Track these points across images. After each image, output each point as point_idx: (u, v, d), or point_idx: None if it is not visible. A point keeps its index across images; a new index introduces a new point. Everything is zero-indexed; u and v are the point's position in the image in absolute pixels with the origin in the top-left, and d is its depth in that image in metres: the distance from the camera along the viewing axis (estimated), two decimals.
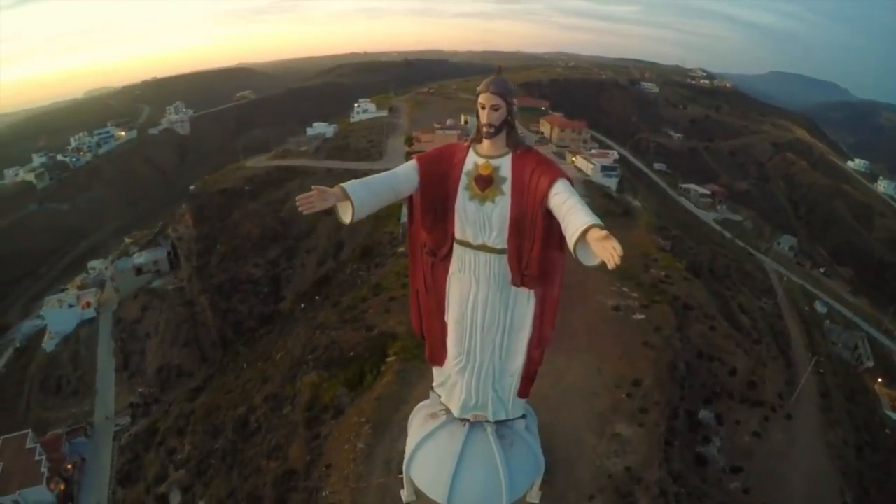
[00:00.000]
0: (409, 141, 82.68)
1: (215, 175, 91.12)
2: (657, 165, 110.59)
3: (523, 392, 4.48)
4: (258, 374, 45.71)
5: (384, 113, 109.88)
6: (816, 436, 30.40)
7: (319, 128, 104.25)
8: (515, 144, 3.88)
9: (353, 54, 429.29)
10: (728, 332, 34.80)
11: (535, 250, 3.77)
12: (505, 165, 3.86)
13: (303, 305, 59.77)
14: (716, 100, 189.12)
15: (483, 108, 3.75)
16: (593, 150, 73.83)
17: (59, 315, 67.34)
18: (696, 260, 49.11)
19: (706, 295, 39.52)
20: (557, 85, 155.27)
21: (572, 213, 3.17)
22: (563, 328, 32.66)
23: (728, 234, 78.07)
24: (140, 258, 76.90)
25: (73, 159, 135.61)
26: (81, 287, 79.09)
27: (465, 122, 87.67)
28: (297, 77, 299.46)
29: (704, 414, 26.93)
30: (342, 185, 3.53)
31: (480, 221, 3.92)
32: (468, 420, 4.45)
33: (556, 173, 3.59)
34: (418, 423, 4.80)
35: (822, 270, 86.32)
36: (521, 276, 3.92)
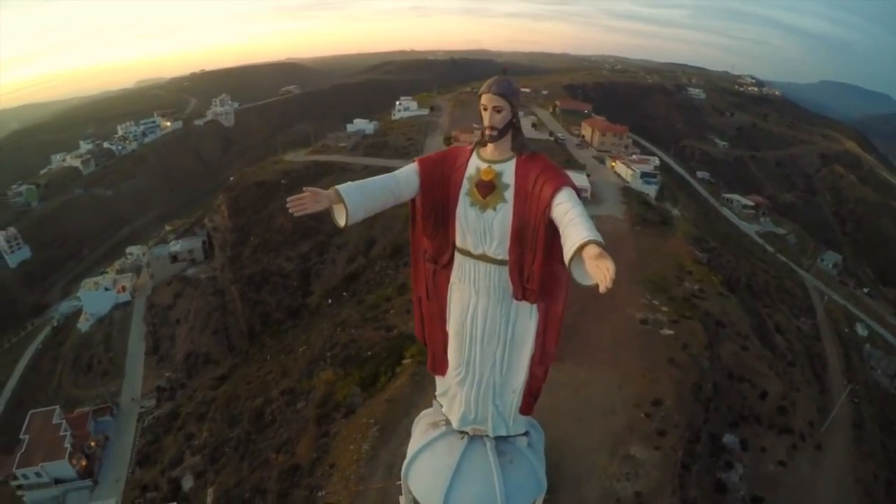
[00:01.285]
0: (448, 140, 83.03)
1: (253, 168, 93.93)
2: (700, 174, 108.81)
3: (526, 409, 4.41)
4: (279, 367, 46.77)
5: (425, 111, 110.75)
6: (846, 469, 28.76)
7: (360, 124, 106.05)
8: (520, 149, 3.81)
9: (401, 52, 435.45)
10: (761, 353, 33.32)
11: (536, 263, 3.69)
12: (508, 171, 3.78)
13: (330, 301, 60.84)
14: (764, 108, 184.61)
15: (485, 109, 3.67)
16: (634, 156, 72.44)
17: (94, 297, 70.62)
18: (733, 274, 47.35)
19: (741, 312, 37.97)
20: (602, 88, 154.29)
21: (572, 226, 3.03)
22: (586, 339, 32.12)
23: (770, 248, 75.82)
24: (176, 246, 80.00)
25: (119, 147, 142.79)
26: (120, 271, 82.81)
27: None
28: (343, 73, 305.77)
29: (729, 438, 25.80)
30: (337, 187, 3.51)
31: (481, 230, 3.85)
32: (467, 433, 4.44)
33: (560, 181, 3.50)
34: (420, 431, 4.86)
35: (865, 291, 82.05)
36: (522, 290, 3.84)
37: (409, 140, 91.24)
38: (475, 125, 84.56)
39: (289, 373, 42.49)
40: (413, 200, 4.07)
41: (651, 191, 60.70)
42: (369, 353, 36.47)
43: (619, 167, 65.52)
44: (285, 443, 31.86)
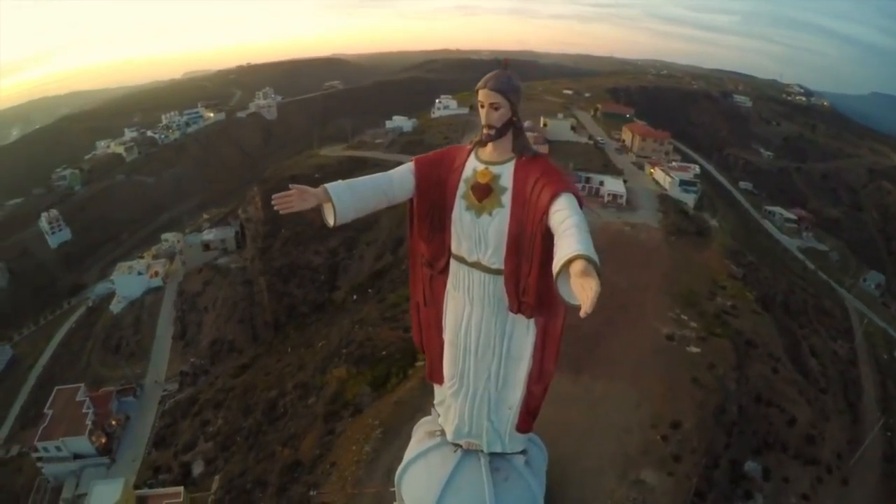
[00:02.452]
0: None
1: (289, 161, 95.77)
2: (743, 184, 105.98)
3: (524, 427, 4.29)
4: (297, 360, 47.29)
5: (465, 110, 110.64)
6: None
7: (398, 121, 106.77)
8: (521, 150, 3.65)
9: (446, 51, 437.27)
10: (792, 378, 31.50)
11: (533, 275, 3.51)
12: (506, 174, 3.62)
13: (355, 297, 61.26)
14: (811, 118, 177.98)
15: (482, 106, 3.53)
16: (674, 163, 70.44)
17: (127, 281, 73.18)
18: (769, 291, 45.25)
19: (774, 332, 36.09)
20: (646, 92, 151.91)
21: (564, 238, 2.79)
22: (607, 352, 31.09)
23: (811, 265, 72.99)
24: (209, 235, 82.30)
25: (162, 136, 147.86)
26: (156, 257, 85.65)
27: (545, 125, 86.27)
28: (388, 70, 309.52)
29: (751, 465, 24.39)
30: (326, 185, 3.46)
31: (476, 236, 3.72)
32: (461, 446, 4.38)
33: (560, 186, 3.28)
34: (417, 439, 4.84)
35: None
36: (517, 303, 3.69)
37: (446, 138, 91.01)
38: None
39: (305, 367, 42.87)
40: (411, 201, 3.97)
41: (689, 200, 58.84)
42: (384, 352, 36.36)
43: (658, 174, 63.86)
44: (292, 437, 32.08)
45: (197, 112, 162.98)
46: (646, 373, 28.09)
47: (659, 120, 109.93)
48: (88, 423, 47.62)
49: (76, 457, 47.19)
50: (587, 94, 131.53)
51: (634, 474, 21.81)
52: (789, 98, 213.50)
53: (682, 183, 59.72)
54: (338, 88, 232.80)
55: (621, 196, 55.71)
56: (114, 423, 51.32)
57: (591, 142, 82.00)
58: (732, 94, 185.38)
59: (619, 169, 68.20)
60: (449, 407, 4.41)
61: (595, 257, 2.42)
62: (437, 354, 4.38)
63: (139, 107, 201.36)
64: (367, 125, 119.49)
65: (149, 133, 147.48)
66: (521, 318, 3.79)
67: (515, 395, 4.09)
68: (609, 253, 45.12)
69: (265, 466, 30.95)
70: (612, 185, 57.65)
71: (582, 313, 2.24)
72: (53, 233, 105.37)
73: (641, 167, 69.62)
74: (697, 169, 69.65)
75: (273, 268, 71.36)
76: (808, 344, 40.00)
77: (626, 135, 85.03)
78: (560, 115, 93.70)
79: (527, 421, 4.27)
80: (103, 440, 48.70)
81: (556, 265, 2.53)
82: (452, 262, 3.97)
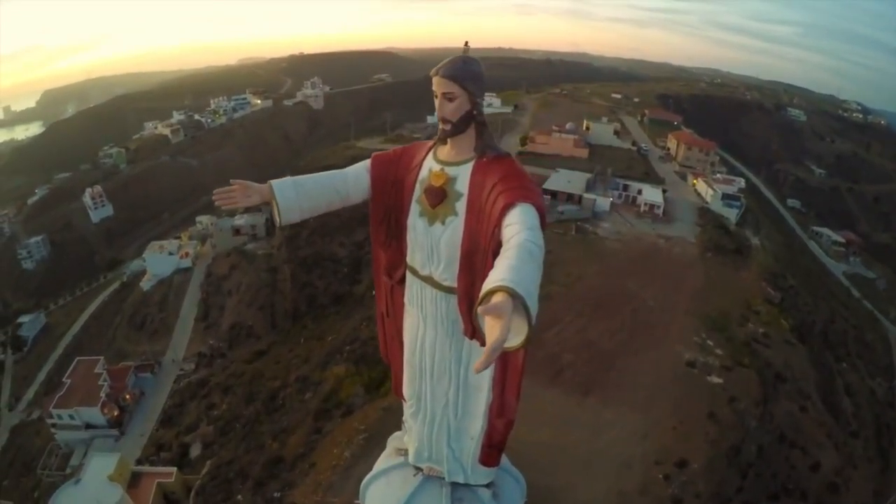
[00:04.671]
0: (524, 140, 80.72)
1: (325, 151, 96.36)
2: (791, 201, 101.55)
3: (488, 461, 3.89)
4: (305, 353, 46.92)
5: (509, 109, 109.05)
6: None
7: None
8: (484, 150, 3.20)
9: (499, 49, 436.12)
10: (821, 418, 28.49)
11: None
12: (463, 177, 3.23)
13: (374, 292, 60.74)
14: (867, 137, 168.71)
15: (436, 97, 3.15)
16: (718, 175, 66.76)
17: (158, 259, 75.02)
18: (807, 319, 41.89)
19: (807, 366, 32.96)
20: (697, 100, 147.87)
21: (500, 260, 2.29)
22: (621, 374, 28.97)
23: (856, 293, 68.81)
24: (240, 220, 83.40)
25: (209, 120, 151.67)
26: (192, 238, 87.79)
27: (587, 129, 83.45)
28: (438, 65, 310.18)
29: None
30: (272, 181, 3.32)
31: (428, 247, 3.39)
32: (422, 470, 4.15)
33: (516, 195, 2.82)
34: (387, 452, 4.66)
35: None
36: (472, 327, 3.09)
37: None
38: (555, 127, 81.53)
39: (310, 360, 42.37)
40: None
41: (731, 215, 55.39)
42: None
43: (701, 185, 60.49)
44: (282, 431, 31.46)
45: (244, 98, 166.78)
46: (659, 402, 25.83)
47: (708, 129, 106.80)
48: (102, 395, 48.85)
49: (88, 426, 48.66)
50: (636, 99, 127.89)
51: None
52: (845, 115, 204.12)
53: (725, 196, 56.28)
54: (386, 81, 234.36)
55: (658, 206, 52.83)
56: (128, 397, 52.40)
57: (634, 148, 78.85)
58: (787, 107, 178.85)
59: (661, 178, 64.99)
60: (410, 428, 4.17)
61: (523, 291, 1.91)
62: (400, 369, 4.08)
63: (191, 90, 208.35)
64: (412, 119, 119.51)
65: (196, 116, 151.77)
66: (478, 345, 3.35)
67: (476, 425, 3.73)
68: (639, 266, 42.76)
69: (252, 458, 30.44)
70: (650, 194, 54.75)
71: (476, 367, 1.80)
72: (96, 208, 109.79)
73: (684, 177, 66.18)
74: (743, 182, 65.98)
75: (298, 257, 71.59)
76: (844, 381, 36.79)
77: (671, 143, 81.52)
78: (604, 119, 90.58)
79: (491, 455, 3.84)
80: (116, 413, 49.80)
81: (480, 295, 2.01)
82: (408, 274, 3.64)
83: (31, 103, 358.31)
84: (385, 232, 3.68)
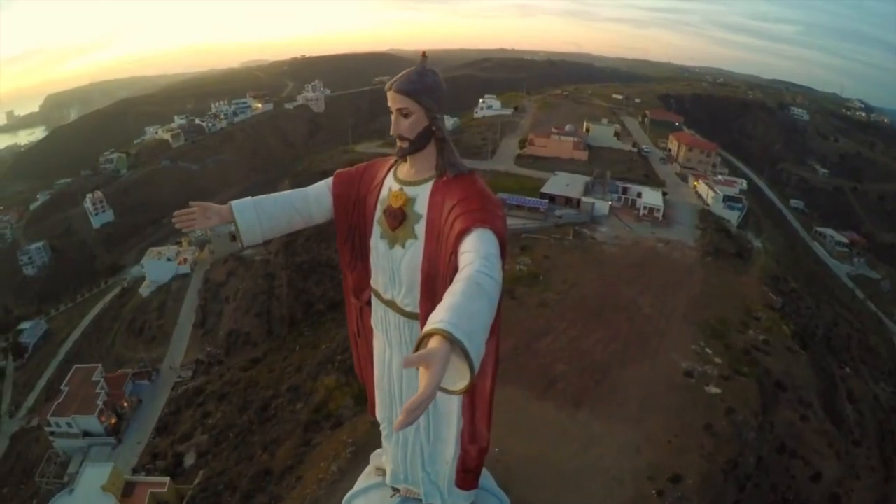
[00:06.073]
0: (523, 143, 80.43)
1: (322, 156, 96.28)
2: (794, 202, 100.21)
3: (465, 485, 3.80)
4: (298, 361, 46.67)
5: (509, 111, 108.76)
6: None
7: None
8: (444, 168, 3.06)
9: (501, 50, 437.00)
10: (823, 427, 27.90)
11: None
12: (422, 197, 3.09)
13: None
14: (870, 136, 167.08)
15: (391, 112, 3.02)
16: (720, 176, 66.17)
17: (156, 266, 75.25)
18: (809, 324, 41.24)
19: (809, 373, 32.36)
20: (699, 101, 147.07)
21: (446, 296, 2.13)
22: (615, 385, 28.57)
23: (860, 294, 67.71)
24: None
25: (210, 124, 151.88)
26: (192, 243, 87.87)
27: (587, 130, 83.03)
28: (442, 67, 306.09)
29: None
30: (232, 202, 3.29)
31: (390, 270, 3.25)
32: (399, 491, 4.09)
33: (473, 219, 2.66)
34: (368, 470, 4.60)
35: None
36: None
37: (484, 139, 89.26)
38: (554, 129, 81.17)
39: (302, 369, 42.10)
40: None
41: (733, 217, 54.83)
42: None
43: (702, 187, 59.95)
44: (272, 442, 31.21)
45: (245, 102, 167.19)
46: (653, 414, 25.41)
47: (710, 130, 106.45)
48: (99, 403, 48.79)
49: (86, 434, 48.65)
50: (637, 100, 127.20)
51: None
52: (849, 113, 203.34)
53: (727, 198, 55.69)
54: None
55: (658, 210, 52.37)
56: (125, 405, 52.31)
57: (635, 149, 78.35)
58: (790, 107, 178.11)
59: (661, 180, 64.57)
60: (386, 449, 4.07)
61: (463, 335, 1.81)
62: (374, 390, 3.96)
63: (193, 93, 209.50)
64: None
65: (197, 121, 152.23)
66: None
67: (449, 451, 3.60)
68: (636, 272, 42.33)
69: (242, 469, 30.23)
70: (650, 197, 54.28)
71: (395, 425, 1.71)
72: (97, 213, 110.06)
73: (685, 179, 65.64)
74: (745, 184, 65.33)
75: (295, 263, 71.44)
76: (847, 387, 36.13)
77: (672, 144, 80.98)
78: (605, 120, 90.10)
79: (467, 480, 3.74)
80: (113, 420, 49.80)
81: (419, 336, 1.90)
82: (372, 297, 3.50)
83: (35, 108, 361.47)
84: (350, 253, 3.57)
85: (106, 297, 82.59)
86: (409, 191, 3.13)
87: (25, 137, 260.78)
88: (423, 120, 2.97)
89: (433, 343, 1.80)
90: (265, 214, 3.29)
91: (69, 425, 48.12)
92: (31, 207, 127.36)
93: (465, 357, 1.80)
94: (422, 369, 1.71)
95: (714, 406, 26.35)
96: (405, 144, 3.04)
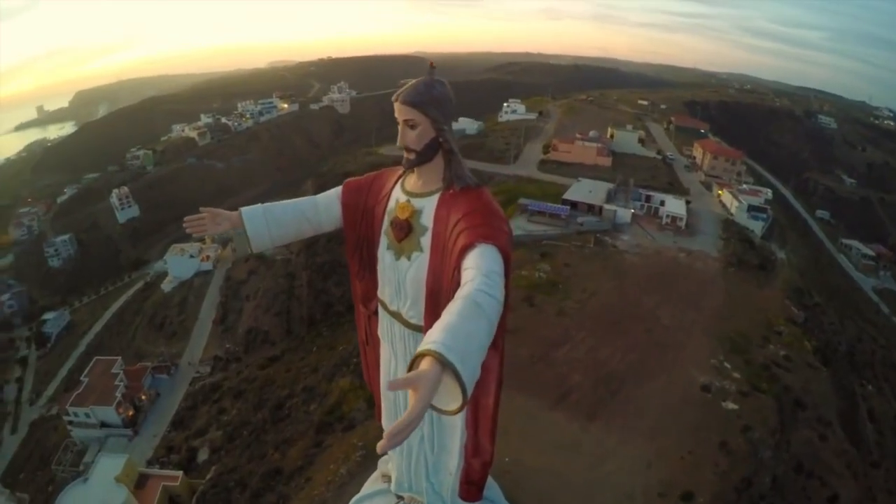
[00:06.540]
0: (546, 148, 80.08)
1: (346, 157, 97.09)
2: (819, 212, 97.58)
3: (468, 497, 3.86)
4: (314, 361, 47.08)
5: (534, 115, 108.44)
6: None
7: (464, 123, 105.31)
8: (451, 180, 3.09)
9: (527, 54, 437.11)
10: (841, 447, 27.00)
11: None
12: (429, 210, 3.11)
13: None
14: None
15: (398, 123, 3.05)
16: (745, 186, 64.81)
17: (179, 262, 76.71)
18: (832, 340, 40.13)
19: (829, 391, 31.41)
20: (726, 108, 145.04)
21: (443, 314, 2.11)
22: (630, 398, 28.16)
23: (885, 309, 65.34)
24: None
25: (236, 124, 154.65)
26: (214, 240, 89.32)
27: (612, 136, 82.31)
28: (467, 71, 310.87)
29: None
30: (242, 209, 3.31)
31: (395, 281, 3.30)
32: (403, 499, 4.15)
33: (476, 235, 2.64)
34: (374, 476, 4.64)
35: None
36: None
37: (507, 143, 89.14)
38: (578, 135, 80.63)
39: (318, 370, 42.44)
40: None
41: (757, 227, 53.58)
42: None
43: (726, 196, 58.85)
44: (284, 442, 31.50)
45: (271, 102, 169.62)
46: (668, 429, 24.94)
47: (736, 137, 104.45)
48: (118, 395, 49.98)
49: (103, 425, 49.94)
50: (663, 106, 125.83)
51: None
52: (877, 122, 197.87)
53: (751, 208, 54.47)
54: None
55: (681, 219, 51.58)
56: (143, 397, 53.55)
57: (660, 157, 77.37)
58: (817, 114, 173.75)
59: (685, 188, 63.59)
60: (391, 457, 4.18)
61: (456, 357, 1.80)
62: (380, 397, 4.11)
63: (221, 93, 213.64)
64: None
65: (223, 120, 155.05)
66: None
67: (453, 462, 3.68)
68: (657, 282, 41.72)
69: (253, 467, 30.58)
70: (673, 205, 53.46)
71: (378, 447, 1.70)
72: (122, 209, 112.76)
73: (709, 187, 64.49)
74: (770, 193, 63.75)
75: (315, 263, 72.11)
76: (868, 406, 35.13)
77: (697, 151, 79.75)
78: (629, 127, 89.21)
79: (470, 492, 3.80)
80: (130, 413, 50.97)
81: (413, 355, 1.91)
82: (379, 307, 3.58)
83: (65, 103, 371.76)
84: (358, 262, 3.61)
85: (129, 291, 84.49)
86: (416, 202, 3.16)
87: (55, 132, 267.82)
88: (430, 132, 3.00)
89: (424, 365, 1.80)
90: (275, 222, 3.37)
91: (87, 415, 49.37)
92: (59, 201, 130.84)
93: (457, 379, 1.80)
94: (410, 391, 1.71)
95: (730, 423, 25.77)
96: (412, 156, 3.07)
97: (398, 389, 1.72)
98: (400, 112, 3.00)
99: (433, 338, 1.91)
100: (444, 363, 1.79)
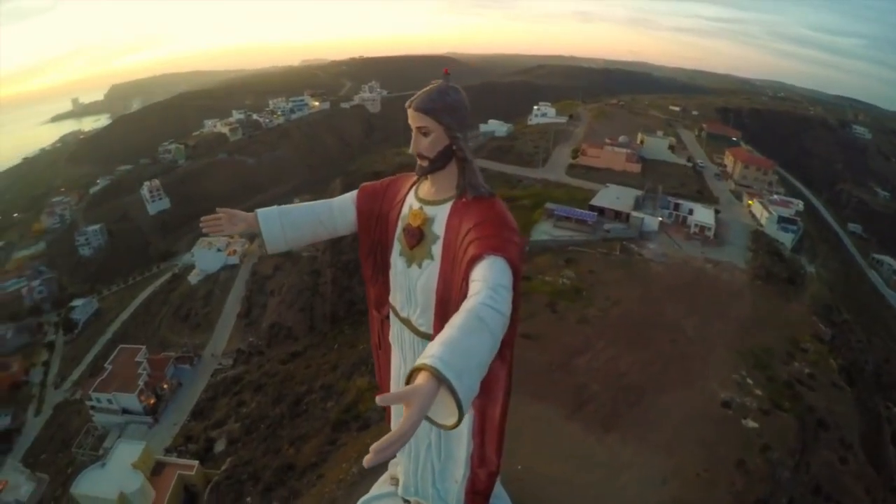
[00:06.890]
0: (575, 153, 79.44)
1: (374, 156, 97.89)
2: (851, 226, 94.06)
3: None
4: (335, 359, 47.54)
5: (564, 119, 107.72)
6: None
7: (493, 125, 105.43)
8: (464, 189, 3.06)
9: (558, 56, 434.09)
10: (862, 471, 26.00)
11: None
12: (440, 218, 3.11)
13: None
14: None
15: (411, 130, 3.08)
16: (776, 196, 62.93)
17: (206, 255, 78.33)
18: (859, 358, 38.72)
19: (853, 412, 30.26)
20: (758, 115, 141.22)
21: (445, 327, 2.11)
22: (649, 410, 27.68)
23: None
24: None
25: (267, 120, 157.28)
26: (241, 235, 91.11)
27: (642, 142, 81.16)
28: (498, 72, 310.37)
29: None
30: (258, 210, 3.33)
31: (406, 288, 3.32)
32: (409, 503, 4.18)
33: (487, 245, 2.62)
34: (383, 477, 4.67)
35: None
36: None
37: (536, 147, 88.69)
38: (607, 140, 79.75)
39: (338, 368, 42.87)
40: None
41: (787, 239, 51.96)
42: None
43: (756, 207, 57.34)
44: (300, 438, 31.89)
45: (302, 100, 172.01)
46: (685, 444, 24.41)
47: (768, 146, 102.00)
48: (140, 383, 51.23)
49: (124, 411, 51.28)
50: (695, 112, 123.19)
51: None
52: None
53: (781, 220, 52.89)
54: None
55: (709, 228, 50.54)
56: (165, 386, 54.80)
57: (690, 164, 75.86)
58: (851, 124, 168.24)
59: (715, 197, 62.25)
60: (399, 462, 4.19)
61: (452, 373, 1.80)
62: None
63: (252, 90, 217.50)
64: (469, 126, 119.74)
65: (254, 116, 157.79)
66: None
67: (459, 471, 3.67)
68: (682, 292, 40.97)
69: (267, 461, 31.05)
70: (702, 214, 52.41)
71: (365, 461, 1.69)
72: (153, 201, 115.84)
73: (739, 197, 62.88)
74: (801, 205, 61.72)
75: (341, 261, 72.74)
76: (893, 429, 33.77)
77: (728, 159, 77.88)
78: (659, 133, 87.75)
79: (476, 501, 3.78)
80: (152, 401, 52.21)
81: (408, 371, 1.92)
82: (390, 313, 3.59)
83: (100, 96, 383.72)
84: (371, 267, 3.62)
85: (156, 282, 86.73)
86: (429, 210, 3.17)
87: (90, 124, 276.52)
88: (443, 139, 2.99)
89: (419, 379, 1.80)
90: (290, 224, 3.40)
91: (110, 401, 50.77)
92: (91, 191, 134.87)
93: (453, 395, 1.80)
94: (404, 406, 1.71)
95: (749, 441, 25.07)
96: (424, 163, 3.07)
97: (390, 404, 1.76)
98: (413, 119, 3.01)
99: (431, 352, 1.92)
100: (440, 379, 1.79)
